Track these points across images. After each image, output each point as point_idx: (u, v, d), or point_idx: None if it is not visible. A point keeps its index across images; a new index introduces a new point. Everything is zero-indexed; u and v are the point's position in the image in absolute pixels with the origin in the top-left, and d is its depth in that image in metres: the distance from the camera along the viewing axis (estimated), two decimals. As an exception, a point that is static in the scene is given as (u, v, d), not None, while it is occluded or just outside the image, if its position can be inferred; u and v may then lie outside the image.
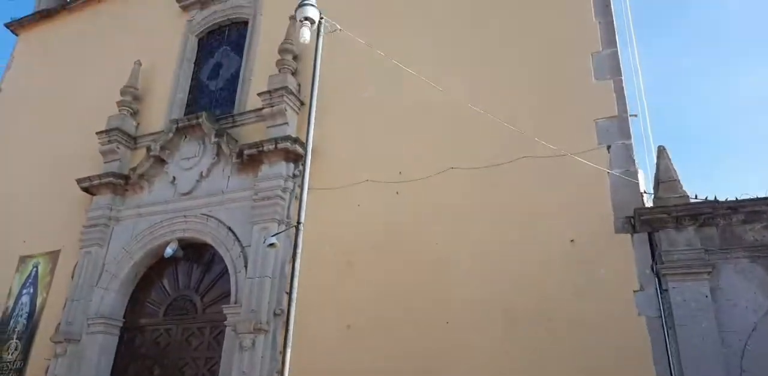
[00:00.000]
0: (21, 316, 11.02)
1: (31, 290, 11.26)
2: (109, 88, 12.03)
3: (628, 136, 7.49)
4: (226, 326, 8.72)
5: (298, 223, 6.72)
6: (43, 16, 14.89)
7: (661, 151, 7.21)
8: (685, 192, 6.93)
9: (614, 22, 8.29)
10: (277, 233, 8.16)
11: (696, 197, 6.85)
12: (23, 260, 11.56)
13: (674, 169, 7.10)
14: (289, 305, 6.34)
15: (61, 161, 12.04)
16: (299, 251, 6.56)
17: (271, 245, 7.25)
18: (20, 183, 12.51)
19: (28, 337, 10.68)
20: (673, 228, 6.81)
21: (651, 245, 6.95)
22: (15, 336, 10.87)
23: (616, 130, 7.56)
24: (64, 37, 14.34)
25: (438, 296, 7.61)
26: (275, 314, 8.41)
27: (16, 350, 10.70)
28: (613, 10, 8.37)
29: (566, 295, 7.00)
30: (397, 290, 7.86)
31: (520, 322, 7.11)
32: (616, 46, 8.07)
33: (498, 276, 7.43)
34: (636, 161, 7.38)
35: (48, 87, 13.68)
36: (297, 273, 6.45)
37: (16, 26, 15.23)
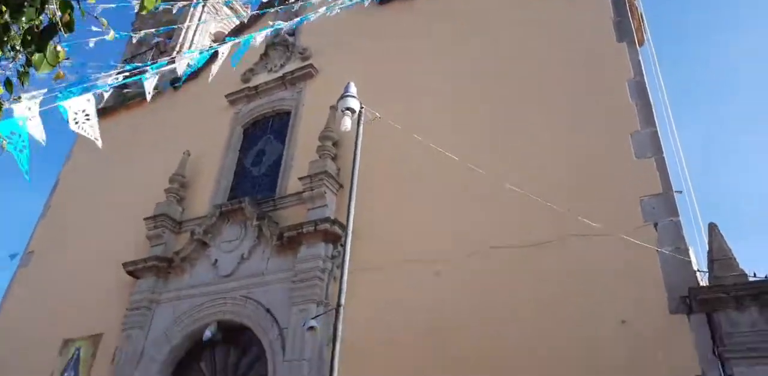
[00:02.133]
0: (61, 400, 10.26)
1: (72, 374, 10.56)
2: (159, 177, 11.87)
3: (676, 213, 6.82)
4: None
5: (338, 305, 6.06)
6: (102, 113, 15.06)
7: (713, 228, 6.50)
8: (742, 270, 6.16)
9: (651, 103, 7.86)
10: (316, 316, 7.51)
11: (755, 275, 6.06)
12: (66, 343, 10.94)
13: (728, 246, 6.37)
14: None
15: (111, 247, 11.64)
16: (339, 334, 5.88)
17: (311, 328, 6.64)
18: (71, 268, 12.07)
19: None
20: (733, 308, 5.99)
21: (710, 326, 6.10)
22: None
23: (663, 208, 6.91)
24: (120, 131, 14.25)
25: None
26: (313, 400, 7.57)
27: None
28: (649, 92, 7.98)
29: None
30: (442, 373, 7.01)
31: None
32: (655, 126, 7.60)
33: (546, 360, 6.60)
34: (686, 239, 6.67)
35: (102, 179, 13.55)
36: (337, 357, 5.73)
37: (77, 123, 15.38)
